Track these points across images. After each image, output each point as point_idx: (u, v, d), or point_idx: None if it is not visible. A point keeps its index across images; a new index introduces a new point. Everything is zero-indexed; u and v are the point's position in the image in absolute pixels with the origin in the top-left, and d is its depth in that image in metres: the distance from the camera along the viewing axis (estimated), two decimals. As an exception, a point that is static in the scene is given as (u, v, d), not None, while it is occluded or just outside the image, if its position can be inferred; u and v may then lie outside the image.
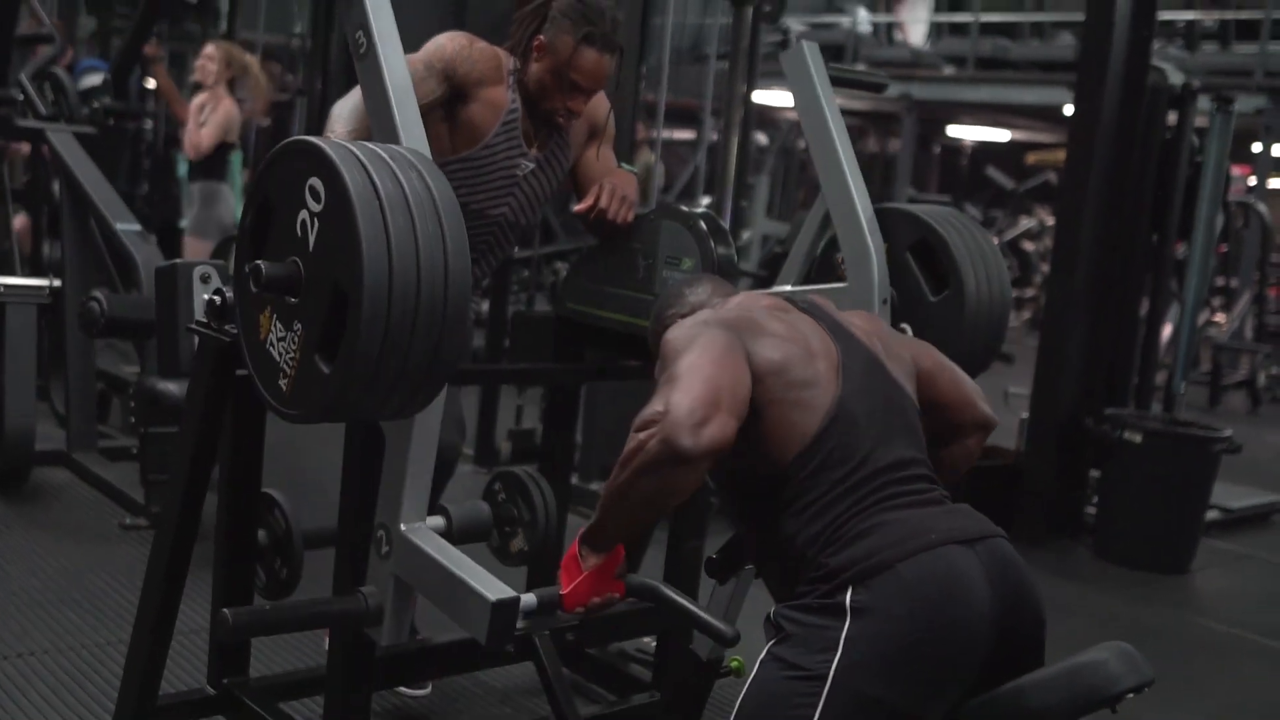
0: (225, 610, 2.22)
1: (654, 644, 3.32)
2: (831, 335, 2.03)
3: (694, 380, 1.81)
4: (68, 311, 4.78)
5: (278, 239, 2.04)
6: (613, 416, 5.27)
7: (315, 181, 1.94)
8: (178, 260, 2.60)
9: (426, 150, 2.17)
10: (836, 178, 2.73)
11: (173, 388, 4.28)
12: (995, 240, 12.07)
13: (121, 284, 5.19)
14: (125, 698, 2.81)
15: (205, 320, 2.53)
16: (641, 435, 1.78)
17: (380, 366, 1.90)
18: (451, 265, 1.94)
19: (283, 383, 2.03)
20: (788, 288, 2.88)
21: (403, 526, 2.21)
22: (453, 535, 2.30)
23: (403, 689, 3.24)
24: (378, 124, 2.20)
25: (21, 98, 5.43)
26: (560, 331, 3.22)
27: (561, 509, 3.15)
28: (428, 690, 3.29)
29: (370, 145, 2.01)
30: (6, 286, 4.62)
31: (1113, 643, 1.81)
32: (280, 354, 2.03)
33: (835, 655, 1.76)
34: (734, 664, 2.47)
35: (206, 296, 2.55)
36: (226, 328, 2.48)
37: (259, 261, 1.98)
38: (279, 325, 2.04)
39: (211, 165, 6.89)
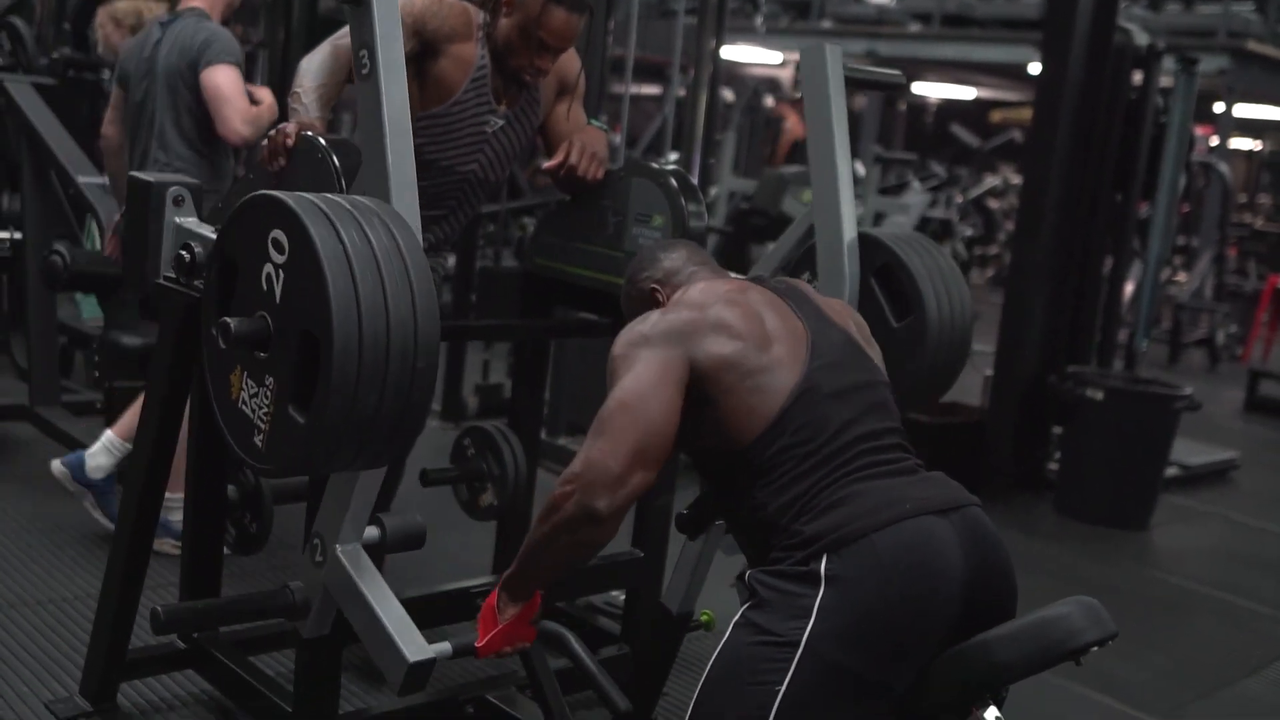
0: (156, 607, 2.32)
1: (622, 597, 3.35)
2: (802, 315, 2.04)
3: (615, 433, 1.86)
4: (29, 265, 4.72)
5: (243, 295, 2.04)
6: (581, 371, 5.28)
7: (278, 234, 1.94)
8: (153, 179, 2.56)
9: (413, 184, 2.16)
10: (829, 195, 2.68)
11: (137, 341, 4.25)
12: (959, 199, 12.06)
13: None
14: (95, 652, 2.81)
15: (173, 275, 2.52)
16: (559, 493, 1.87)
17: (353, 412, 1.91)
18: (420, 315, 1.94)
19: (258, 439, 2.04)
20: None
21: (338, 548, 2.24)
22: (386, 546, 2.35)
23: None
24: (367, 152, 2.18)
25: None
26: (528, 287, 3.22)
27: (531, 464, 3.17)
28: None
29: (334, 198, 2.00)
30: (-34, 240, 4.55)
31: (1076, 597, 1.83)
32: (253, 410, 2.04)
33: (808, 623, 1.77)
34: (704, 618, 2.49)
35: (178, 220, 2.54)
36: (195, 283, 2.46)
37: (226, 319, 1.98)
38: (250, 382, 2.04)
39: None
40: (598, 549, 1.94)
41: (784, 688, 1.76)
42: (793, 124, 12.91)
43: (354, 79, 2.76)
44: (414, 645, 2.12)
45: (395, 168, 2.14)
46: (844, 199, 2.67)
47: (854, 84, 2.77)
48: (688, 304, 2.04)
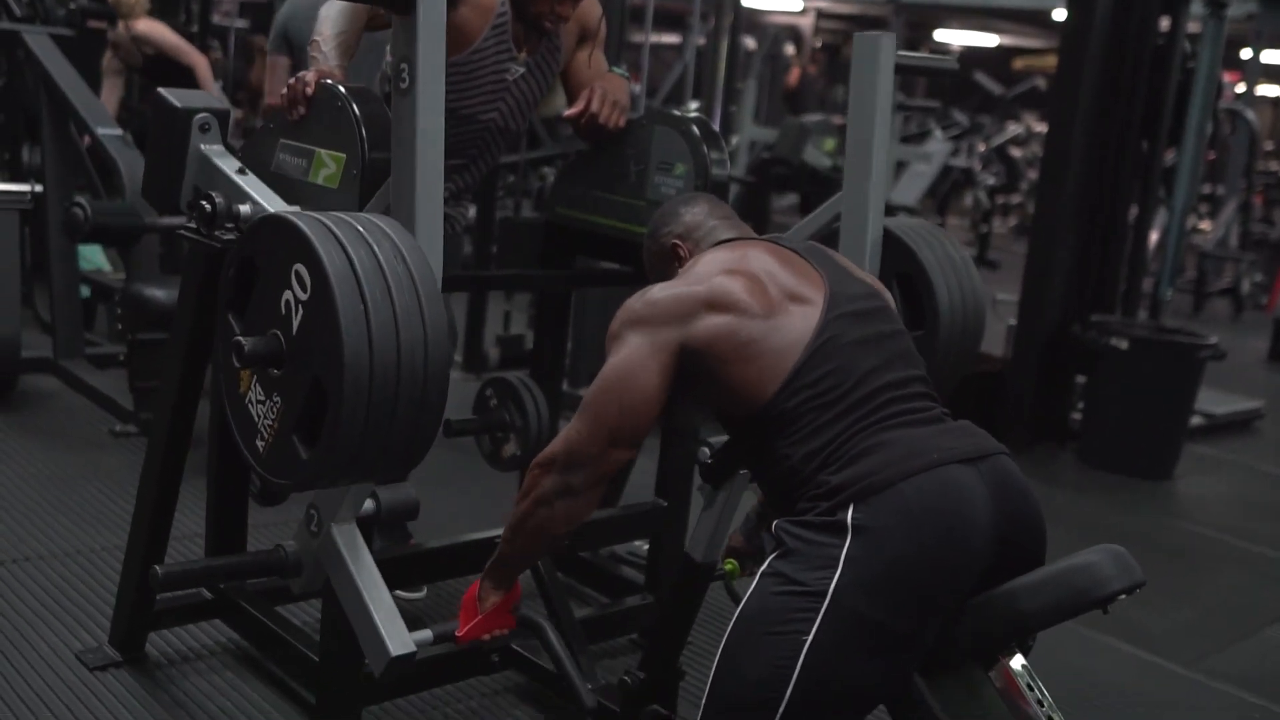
0: (155, 567, 2.36)
1: (646, 547, 3.36)
2: (821, 269, 2.04)
3: (596, 415, 1.96)
4: (50, 217, 4.73)
5: (261, 306, 2.04)
6: (602, 321, 5.26)
7: (301, 269, 1.93)
8: (180, 103, 2.56)
9: (439, 209, 2.16)
10: (859, 188, 2.65)
11: (160, 294, 4.26)
12: (982, 147, 11.92)
13: (104, 189, 5.14)
14: (123, 602, 2.84)
15: (195, 227, 2.51)
16: (535, 474, 1.99)
17: (359, 453, 1.93)
18: (430, 343, 1.95)
19: (259, 444, 2.05)
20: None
21: (333, 526, 2.26)
22: (380, 518, 2.38)
23: (399, 591, 3.26)
24: (396, 170, 2.17)
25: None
26: (549, 237, 3.20)
27: (553, 415, 3.17)
28: (423, 593, 3.33)
29: (350, 221, 1.99)
30: (-13, 193, 4.56)
31: (1104, 545, 1.82)
32: (259, 416, 2.05)
33: (835, 573, 1.77)
34: (729, 567, 2.49)
35: (203, 148, 2.54)
36: (216, 234, 2.46)
37: (241, 340, 1.99)
38: (259, 388, 2.05)
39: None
40: (574, 523, 2.03)
41: (810, 637, 1.76)
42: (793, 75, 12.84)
43: (373, 27, 2.76)
44: (398, 638, 2.17)
45: (423, 193, 2.14)
46: (874, 195, 2.65)
47: (905, 71, 2.74)
48: (688, 277, 2.04)
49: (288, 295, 1.97)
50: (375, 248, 1.96)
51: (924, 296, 2.69)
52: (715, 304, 1.96)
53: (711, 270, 2.02)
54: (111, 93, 6.06)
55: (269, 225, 2.06)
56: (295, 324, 1.96)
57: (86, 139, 5.09)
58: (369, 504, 2.37)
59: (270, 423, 2.02)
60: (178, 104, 2.56)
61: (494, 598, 2.16)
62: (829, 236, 2.77)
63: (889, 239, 2.72)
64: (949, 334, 2.69)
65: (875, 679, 1.81)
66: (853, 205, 2.68)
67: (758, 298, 1.96)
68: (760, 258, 2.04)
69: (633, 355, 1.96)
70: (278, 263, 1.99)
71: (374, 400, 1.89)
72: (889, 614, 1.77)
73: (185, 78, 6.10)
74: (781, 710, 1.77)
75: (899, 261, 2.72)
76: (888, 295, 2.17)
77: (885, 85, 2.65)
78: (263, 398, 2.04)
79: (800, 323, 1.94)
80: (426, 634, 2.24)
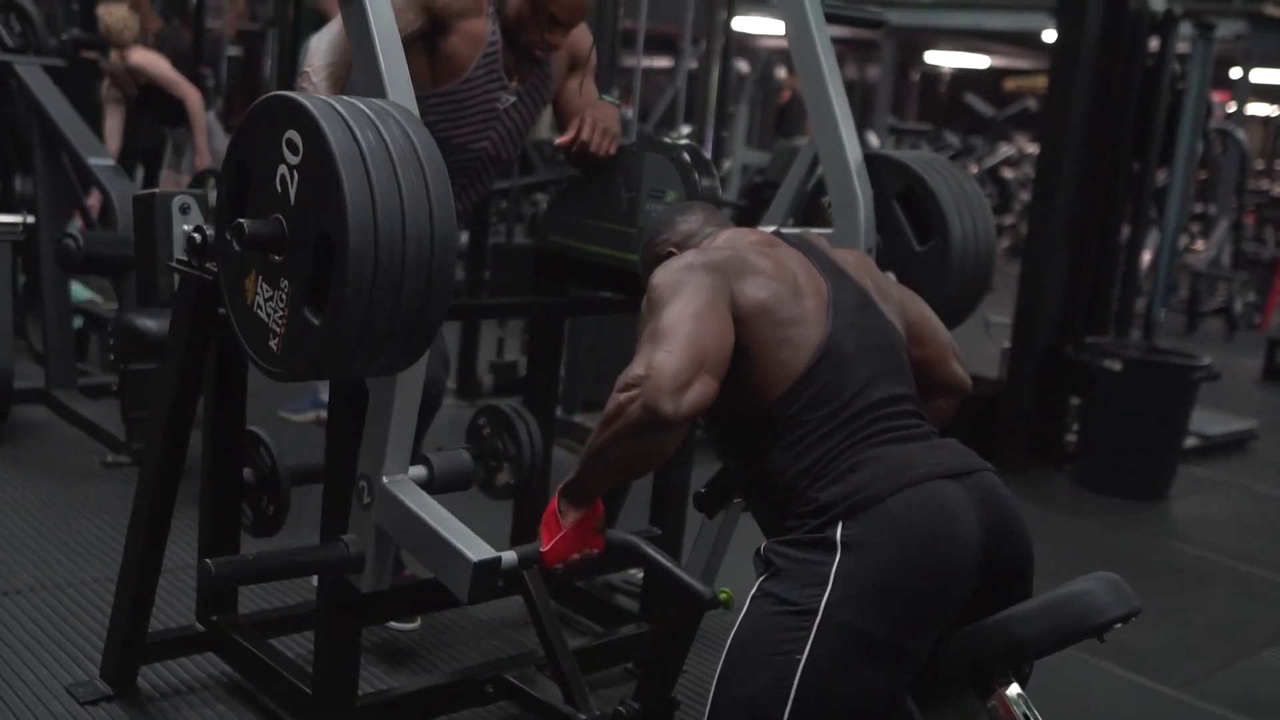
0: (207, 560, 2.24)
1: (640, 575, 3.34)
2: (822, 271, 2.03)
3: (677, 339, 1.80)
4: (43, 248, 4.72)
5: (258, 198, 2.02)
6: (596, 348, 5.27)
7: (292, 134, 1.92)
8: (155, 190, 2.57)
9: (414, 104, 2.14)
10: (827, 121, 2.69)
11: (152, 324, 4.25)
12: (974, 169, 11.96)
13: (96, 220, 5.14)
14: (114, 635, 2.82)
15: (186, 259, 2.51)
16: (622, 397, 1.78)
17: (369, 314, 1.89)
18: (436, 215, 1.92)
19: (273, 343, 2.02)
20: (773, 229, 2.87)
21: (385, 479, 2.22)
22: (434, 485, 2.32)
23: (392, 624, 3.25)
24: (363, 74, 2.16)
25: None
26: (541, 264, 3.20)
27: (547, 442, 3.16)
28: (417, 624, 3.31)
29: (348, 99, 1.99)
30: (-20, 224, 4.55)
31: (1100, 573, 1.82)
32: (268, 315, 2.02)
33: (825, 590, 1.76)
34: (723, 596, 2.48)
35: (186, 229, 2.52)
36: (207, 265, 2.45)
37: (240, 220, 1.96)
38: (264, 286, 2.02)
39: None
40: (662, 458, 1.87)
41: (805, 656, 1.75)
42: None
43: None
44: (476, 548, 2.06)
45: (389, 69, 2.13)
46: (843, 123, 2.68)
47: (832, 20, 2.78)
48: (720, 246, 2.02)
49: (281, 170, 1.95)
50: (364, 107, 1.96)
51: (930, 209, 2.67)
52: (757, 270, 1.95)
53: (741, 245, 2.01)
54: (114, 120, 6.07)
55: (253, 113, 2.04)
56: (293, 194, 1.94)
57: (94, 201, 5.11)
58: (420, 470, 2.30)
59: (280, 313, 1.99)
60: (153, 193, 2.58)
61: (575, 514, 1.95)
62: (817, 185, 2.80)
63: (885, 161, 2.72)
64: (962, 265, 2.68)
65: (870, 695, 1.80)
66: (826, 138, 2.74)
67: (788, 281, 1.96)
68: (780, 248, 2.04)
69: (698, 293, 1.86)
70: (268, 145, 1.97)
71: (380, 250, 1.85)
72: (881, 627, 1.76)
73: (178, 108, 6.12)
74: None
75: (898, 180, 2.72)
76: (874, 272, 2.14)
77: (819, 21, 2.76)
78: (269, 293, 2.01)
79: (814, 324, 1.94)
80: (511, 554, 2.06)
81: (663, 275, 1.94)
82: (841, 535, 1.79)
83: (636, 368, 1.78)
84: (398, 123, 1.97)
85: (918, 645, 1.81)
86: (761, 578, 1.86)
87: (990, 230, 2.73)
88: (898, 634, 1.78)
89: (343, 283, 1.85)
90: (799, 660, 1.75)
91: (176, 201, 2.55)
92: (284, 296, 1.98)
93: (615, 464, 1.86)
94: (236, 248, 1.99)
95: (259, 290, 2.03)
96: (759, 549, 1.91)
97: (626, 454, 1.83)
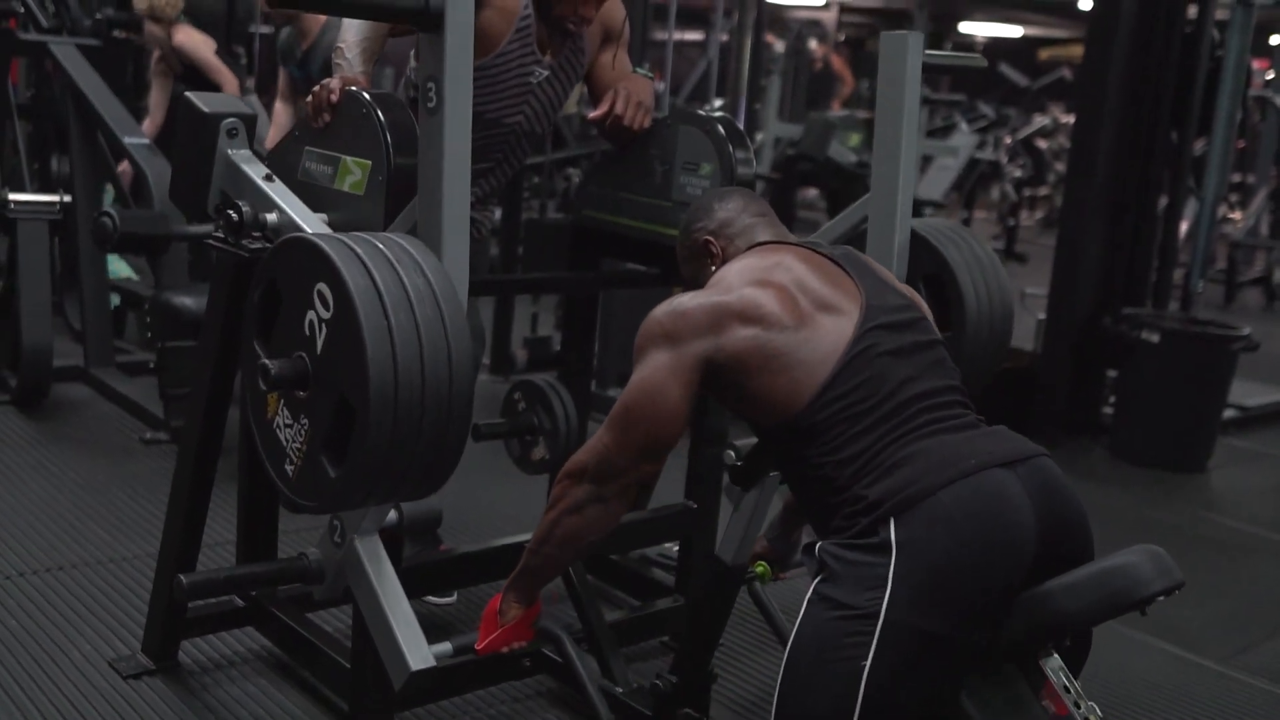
0: (180, 576, 2.34)
1: (676, 549, 3.35)
2: (856, 277, 2.02)
3: (623, 430, 1.96)
4: (79, 227, 4.76)
5: (286, 327, 2.04)
6: (630, 322, 5.25)
7: (324, 288, 1.93)
8: (208, 108, 2.57)
9: (465, 229, 2.15)
10: (887, 192, 2.62)
11: (189, 301, 4.28)
12: (1008, 140, 11.82)
13: (131, 198, 5.17)
14: (155, 610, 2.85)
15: (222, 235, 2.52)
16: (565, 483, 2.01)
17: (386, 469, 1.93)
18: (455, 359, 1.95)
19: (289, 468, 2.06)
20: None
21: (356, 539, 2.25)
22: (403, 530, 2.38)
23: (429, 597, 3.27)
24: (423, 190, 2.15)
25: (22, 9, 5.36)
26: (575, 239, 3.19)
27: (582, 417, 3.16)
28: (454, 598, 3.33)
29: (372, 240, 1.99)
30: (17, 203, 4.58)
31: (1143, 545, 1.80)
32: (287, 440, 2.05)
33: (885, 592, 1.74)
34: (759, 569, 2.48)
35: (230, 152, 2.54)
36: (244, 242, 2.46)
37: (267, 362, 1.99)
38: (286, 412, 2.05)
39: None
40: (602, 532, 2.03)
41: (870, 660, 1.74)
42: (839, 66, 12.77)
43: (396, 33, 2.76)
44: (418, 652, 2.16)
45: (450, 212, 2.12)
46: (902, 198, 2.62)
47: (933, 70, 2.72)
48: (718, 287, 2.02)
49: (311, 316, 1.97)
50: (397, 265, 1.95)
51: (951, 297, 2.67)
52: (744, 316, 1.94)
53: (741, 280, 2.00)
54: (160, 94, 6.08)
55: (291, 247, 2.06)
56: (319, 344, 1.96)
57: (124, 168, 5.13)
58: (391, 515, 2.37)
59: (298, 445, 2.03)
60: (205, 109, 2.57)
61: (515, 610, 2.16)
62: (856, 238, 2.76)
63: (916, 240, 2.70)
64: (977, 333, 2.68)
65: (935, 691, 1.79)
66: (880, 208, 2.66)
67: (787, 309, 1.94)
68: (793, 266, 2.02)
69: (657, 372, 1.95)
70: (301, 284, 1.99)
71: (400, 416, 1.89)
72: (943, 623, 1.75)
73: (218, 90, 6.13)
74: None
75: (926, 262, 2.70)
76: (924, 306, 2.15)
77: (913, 86, 2.62)
78: (290, 421, 2.04)
79: (833, 334, 1.92)
80: (446, 647, 2.24)
81: (641, 336, 2.00)
82: (896, 534, 1.77)
83: (581, 455, 2.00)
84: (416, 264, 1.98)
85: (979, 636, 1.79)
86: (817, 580, 1.85)
87: (1008, 326, 2.73)
88: (960, 628, 1.76)
89: (360, 448, 1.89)
90: (864, 666, 1.74)
91: (226, 124, 2.55)
92: (303, 433, 2.02)
93: (558, 542, 2.05)
94: (263, 386, 2.02)
95: (280, 413, 2.06)
96: (813, 547, 1.89)
97: (568, 530, 2.02)
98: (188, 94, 2.62)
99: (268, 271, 2.10)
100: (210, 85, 6.04)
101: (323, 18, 4.85)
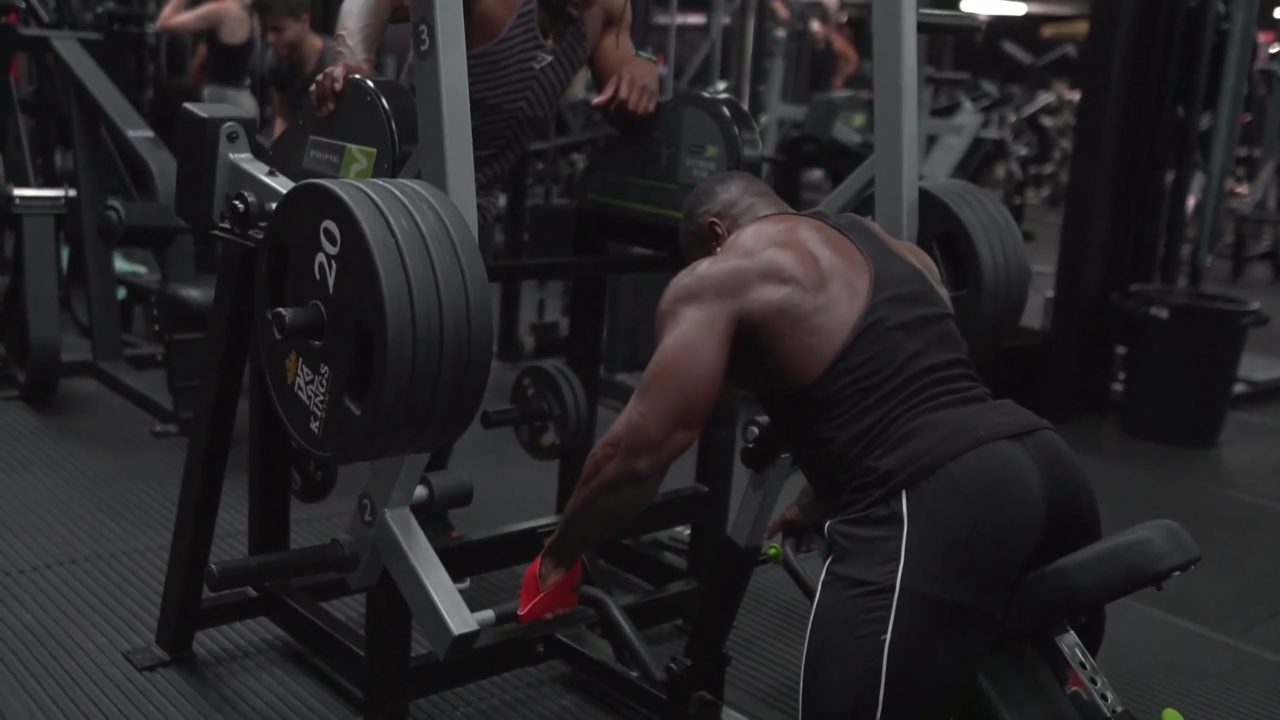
0: (211, 564, 2.32)
1: (688, 532, 3.35)
2: (864, 248, 2.01)
3: (658, 395, 1.90)
4: (85, 221, 4.76)
5: (296, 282, 2.03)
6: (637, 306, 5.26)
7: (329, 224, 1.92)
8: (206, 115, 2.56)
9: (470, 168, 2.13)
10: (892, 152, 2.60)
11: (196, 294, 4.28)
12: (1013, 118, 11.75)
13: (136, 191, 5.16)
14: (169, 602, 2.86)
15: (228, 226, 2.51)
16: (600, 456, 1.93)
17: (410, 402, 1.90)
18: (472, 298, 1.92)
19: (314, 425, 2.03)
20: None
21: (386, 512, 2.25)
22: (433, 505, 2.36)
23: (441, 585, 3.27)
24: (423, 134, 2.14)
25: (23, 5, 5.35)
26: (581, 224, 3.19)
27: (591, 402, 3.16)
28: (467, 585, 3.32)
29: (382, 183, 1.98)
30: (23, 198, 4.58)
31: (1158, 520, 1.80)
32: (309, 397, 2.03)
33: (899, 564, 1.74)
34: (771, 551, 2.47)
35: (231, 157, 2.53)
36: (250, 232, 2.46)
37: (280, 309, 1.97)
38: (305, 369, 2.03)
39: (221, 68, 6.79)
40: (640, 508, 1.99)
41: (889, 635, 1.73)
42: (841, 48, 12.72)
43: (397, 19, 2.75)
44: (459, 617, 2.15)
45: (453, 152, 2.10)
46: (907, 157, 2.60)
47: (927, 29, 2.70)
48: (737, 250, 2.00)
49: (320, 259, 1.95)
50: (401, 195, 1.94)
51: (968, 258, 2.64)
52: (770, 275, 1.92)
53: (760, 244, 1.99)
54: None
55: (291, 198, 2.05)
56: (331, 283, 1.94)
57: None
58: (421, 491, 2.34)
59: (321, 397, 2.00)
60: (204, 115, 2.56)
61: (555, 576, 2.10)
62: (863, 206, 2.74)
63: (928, 200, 2.67)
64: (993, 293, 2.65)
65: (958, 662, 1.79)
66: (886, 168, 2.63)
67: (810, 271, 1.93)
68: (806, 233, 2.01)
69: (691, 329, 1.91)
70: (306, 229, 1.97)
71: (418, 337, 1.86)
72: (959, 592, 1.75)
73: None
74: (879, 714, 1.74)
75: (939, 222, 2.68)
76: (931, 268, 2.14)
77: (909, 42, 2.60)
78: (310, 376, 2.02)
79: (847, 303, 1.92)
80: (489, 614, 2.19)
81: (666, 301, 1.96)
82: (907, 506, 1.77)
83: (617, 427, 1.91)
84: (433, 209, 1.96)
85: (995, 604, 1.79)
86: (829, 561, 1.84)
87: (1024, 286, 2.70)
88: (976, 596, 1.76)
89: (383, 372, 1.86)
90: (884, 640, 1.74)
91: (225, 128, 2.54)
92: (324, 382, 1.99)
93: (596, 518, 1.99)
94: (277, 335, 2.00)
95: (299, 372, 2.04)
96: (824, 527, 1.89)
97: (605, 507, 1.96)
98: (186, 105, 2.61)
99: (272, 234, 2.09)
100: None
101: (319, 45, 4.85)
